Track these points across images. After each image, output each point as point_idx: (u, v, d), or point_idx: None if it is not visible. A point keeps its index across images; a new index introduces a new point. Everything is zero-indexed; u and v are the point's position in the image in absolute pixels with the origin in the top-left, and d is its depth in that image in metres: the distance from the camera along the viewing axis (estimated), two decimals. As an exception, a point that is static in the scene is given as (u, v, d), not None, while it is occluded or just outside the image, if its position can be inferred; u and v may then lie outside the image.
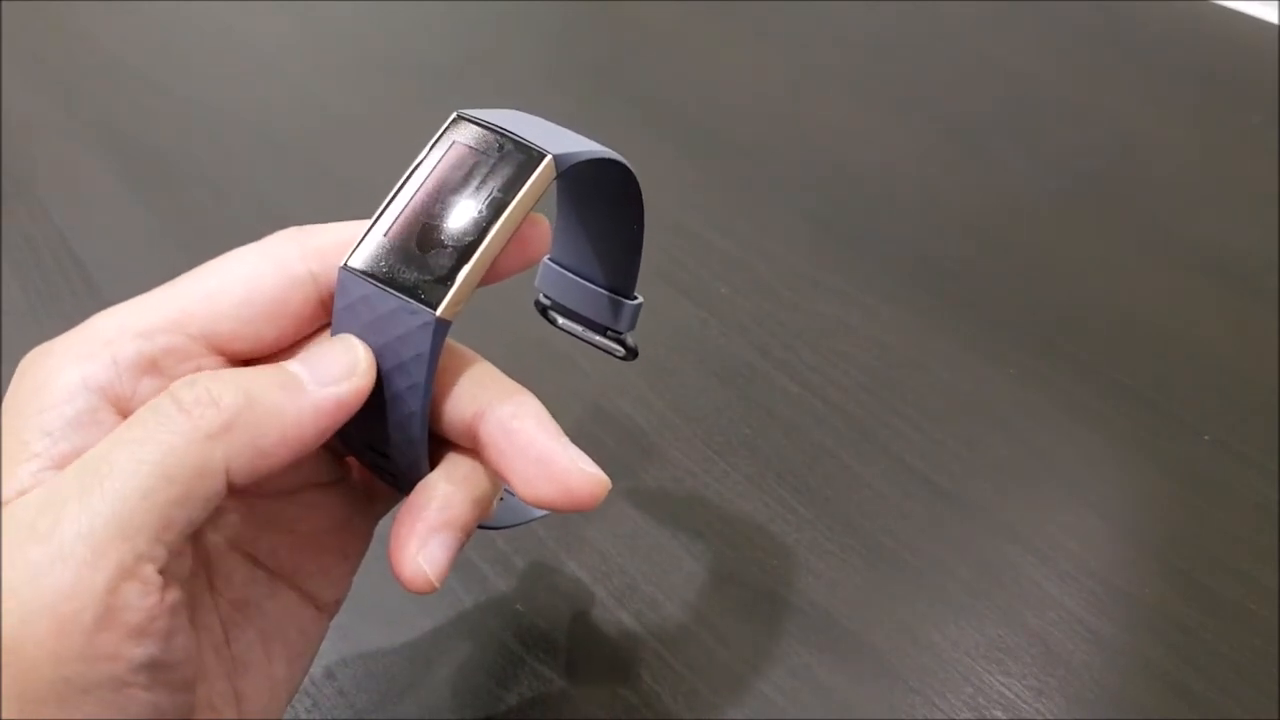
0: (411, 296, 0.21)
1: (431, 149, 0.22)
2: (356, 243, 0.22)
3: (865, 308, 0.43)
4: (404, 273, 0.21)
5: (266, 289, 0.22)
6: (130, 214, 0.46)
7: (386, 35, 0.62)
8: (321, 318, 0.23)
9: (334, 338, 0.22)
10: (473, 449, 0.23)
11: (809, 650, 0.31)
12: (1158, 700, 0.30)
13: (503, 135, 0.22)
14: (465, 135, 0.22)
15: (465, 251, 0.21)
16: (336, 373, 0.21)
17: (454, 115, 0.23)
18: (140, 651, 0.19)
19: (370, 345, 0.22)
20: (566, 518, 0.33)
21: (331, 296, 0.23)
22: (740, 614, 0.31)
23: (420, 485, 0.22)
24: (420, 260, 0.21)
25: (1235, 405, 0.39)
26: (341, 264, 0.22)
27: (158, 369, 0.22)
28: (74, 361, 0.21)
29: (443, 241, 0.21)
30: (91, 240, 0.45)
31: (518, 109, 0.24)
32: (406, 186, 0.22)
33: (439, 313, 0.21)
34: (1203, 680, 0.30)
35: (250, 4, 0.63)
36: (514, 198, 0.22)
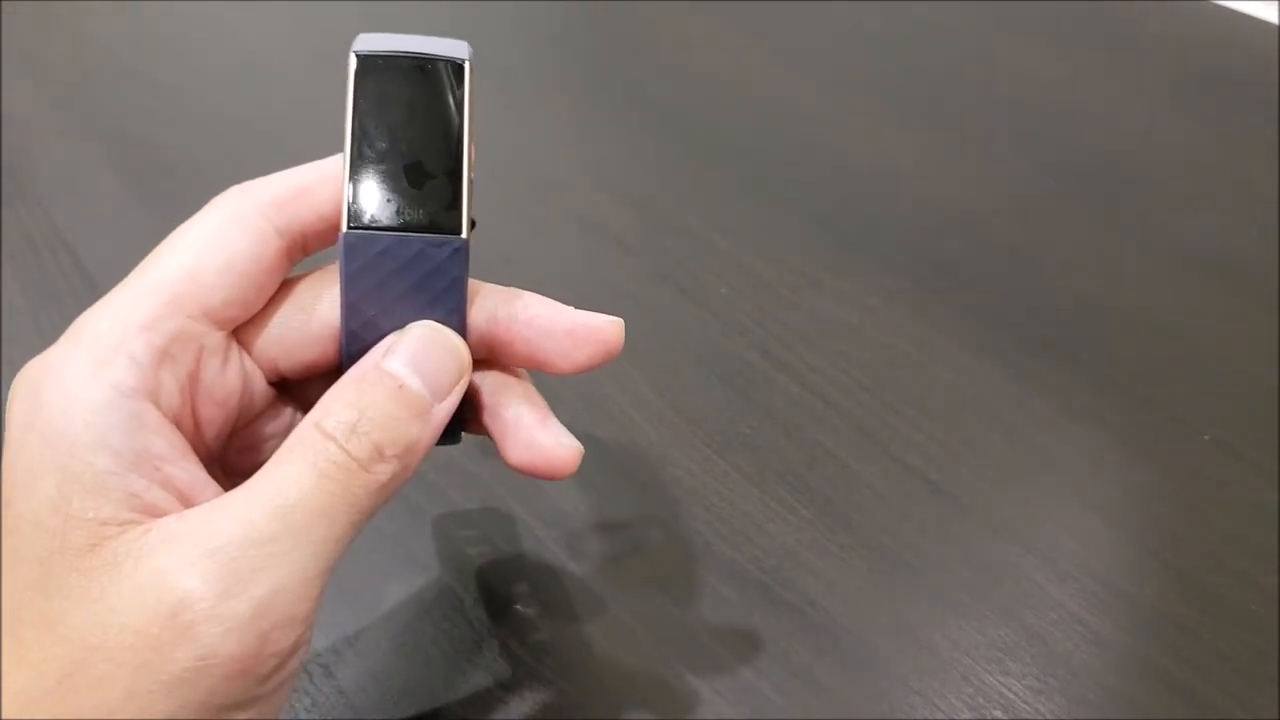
0: (432, 231, 0.22)
1: (356, 93, 0.23)
2: (345, 204, 0.22)
3: (865, 308, 0.43)
4: (411, 213, 0.22)
5: (242, 252, 0.23)
6: (130, 214, 0.46)
7: (386, 35, 0.62)
8: (286, 269, 0.24)
9: (424, 327, 0.23)
10: (489, 357, 0.24)
11: (809, 650, 0.31)
12: (1158, 700, 0.30)
13: (414, 58, 0.23)
14: (382, 71, 0.23)
15: (454, 173, 0.23)
16: (448, 380, 0.22)
17: (356, 58, 0.23)
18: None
19: (398, 290, 0.23)
20: (563, 519, 0.34)
21: (294, 247, 0.23)
22: (740, 614, 0.31)
23: (497, 400, 0.24)
24: (418, 196, 0.23)
25: (1235, 405, 0.39)
26: (344, 228, 0.22)
27: (169, 356, 0.22)
28: (93, 372, 0.21)
29: (429, 172, 0.23)
30: (91, 240, 0.45)
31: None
32: (358, 135, 0.23)
33: (464, 235, 0.23)
34: (1203, 680, 0.30)
35: (251, 4, 0.63)
36: (464, 108, 0.23)
